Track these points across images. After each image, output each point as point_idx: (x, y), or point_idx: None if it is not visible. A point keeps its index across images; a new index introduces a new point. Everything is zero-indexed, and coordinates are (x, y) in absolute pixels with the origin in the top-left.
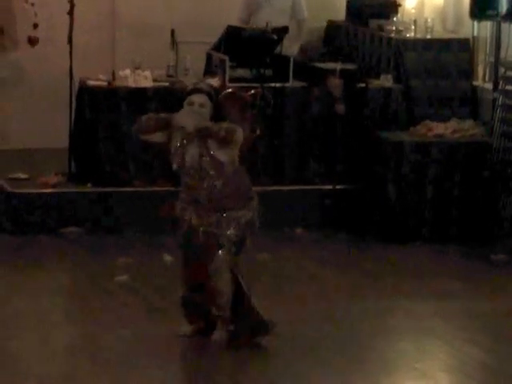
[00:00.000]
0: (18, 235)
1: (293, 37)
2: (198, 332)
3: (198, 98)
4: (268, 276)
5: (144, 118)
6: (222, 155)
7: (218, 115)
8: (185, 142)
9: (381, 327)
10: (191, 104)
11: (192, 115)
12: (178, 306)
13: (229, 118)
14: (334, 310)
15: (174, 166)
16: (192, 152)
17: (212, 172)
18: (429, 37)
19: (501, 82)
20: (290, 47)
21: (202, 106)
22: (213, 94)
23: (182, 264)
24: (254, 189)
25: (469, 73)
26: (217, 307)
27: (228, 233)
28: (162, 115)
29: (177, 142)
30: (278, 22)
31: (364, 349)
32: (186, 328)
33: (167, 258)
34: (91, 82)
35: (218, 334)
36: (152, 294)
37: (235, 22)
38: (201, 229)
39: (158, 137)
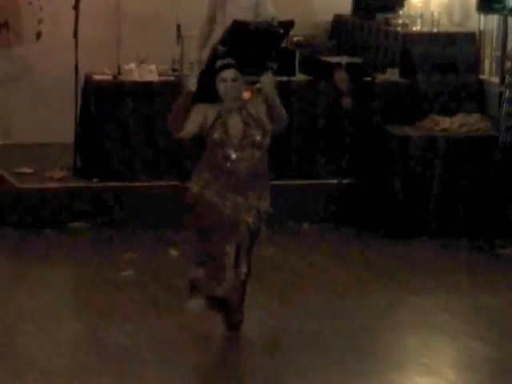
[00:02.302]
0: (23, 230)
1: None
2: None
3: (229, 74)
4: (273, 271)
5: (172, 117)
6: (267, 123)
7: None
8: (222, 113)
9: (387, 322)
10: (224, 81)
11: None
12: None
13: None
14: (340, 304)
15: (216, 136)
16: (235, 120)
17: (258, 138)
18: (435, 30)
19: (507, 76)
20: None
21: (234, 80)
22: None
23: (197, 240)
24: None
25: (475, 67)
26: (220, 287)
27: (250, 223)
28: (185, 103)
29: (213, 116)
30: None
31: (370, 344)
32: (194, 303)
33: (173, 252)
34: (97, 77)
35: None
36: (158, 288)
37: (204, 19)
38: (219, 208)
39: (192, 128)
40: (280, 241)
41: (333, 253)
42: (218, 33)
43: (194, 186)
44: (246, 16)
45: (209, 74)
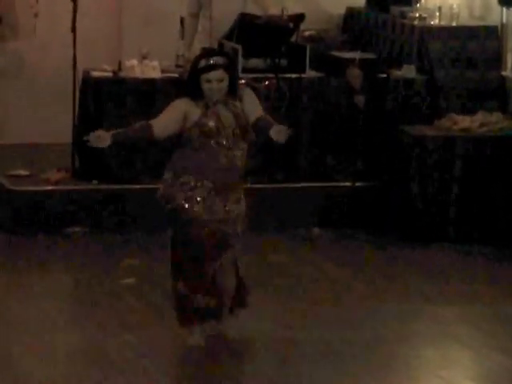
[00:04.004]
0: (18, 235)
1: None
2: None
3: (214, 75)
4: (283, 278)
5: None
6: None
7: (234, 83)
8: (210, 104)
9: (403, 332)
10: (209, 81)
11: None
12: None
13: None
14: (354, 313)
15: (211, 125)
16: (224, 111)
17: (249, 129)
18: (454, 24)
19: None
20: None
21: (220, 81)
22: (228, 64)
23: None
24: (268, 186)
25: (497, 63)
26: (218, 299)
27: (238, 230)
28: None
29: (200, 108)
30: None
31: (386, 355)
32: (195, 337)
33: None
34: (96, 73)
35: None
36: (159, 297)
37: (185, 16)
38: (209, 226)
39: (172, 128)
40: (289, 247)
41: (345, 259)
42: (204, 28)
43: (174, 191)
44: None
45: (194, 73)
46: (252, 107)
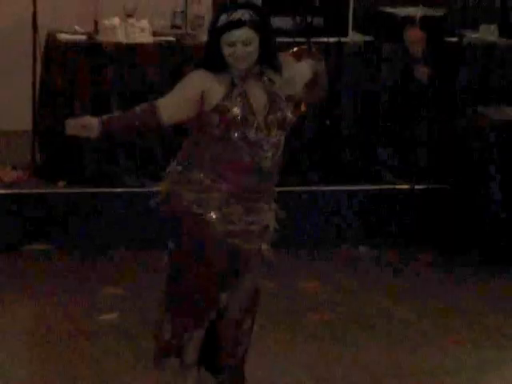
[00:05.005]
0: None
1: None
2: None
3: (239, 35)
4: (317, 312)
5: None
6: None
7: (269, 48)
8: (236, 81)
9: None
10: (231, 45)
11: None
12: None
13: None
14: (412, 362)
15: (236, 111)
16: (255, 90)
17: (289, 114)
18: None
19: None
20: None
21: (246, 43)
22: (260, 21)
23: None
24: (300, 189)
25: None
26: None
27: (263, 249)
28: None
29: (224, 86)
30: None
31: None
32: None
33: None
34: (64, 36)
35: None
36: (151, 337)
37: None
38: (224, 240)
39: (184, 111)
40: (326, 270)
41: (401, 287)
42: None
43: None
44: None
45: (212, 35)
46: (298, 76)
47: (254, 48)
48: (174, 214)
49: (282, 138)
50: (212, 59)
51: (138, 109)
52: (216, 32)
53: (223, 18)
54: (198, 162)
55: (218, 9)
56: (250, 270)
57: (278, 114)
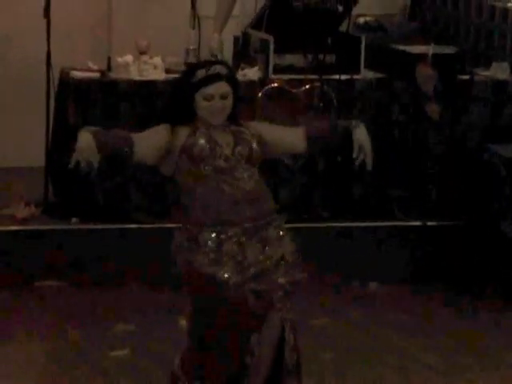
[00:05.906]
0: None
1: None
2: None
3: (218, 88)
4: (328, 350)
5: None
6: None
7: (237, 105)
8: (202, 130)
9: None
10: (209, 99)
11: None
12: None
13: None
14: None
15: (202, 143)
16: (221, 132)
17: (254, 145)
18: None
19: None
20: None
21: (224, 96)
22: (233, 75)
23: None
24: (309, 225)
25: None
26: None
27: (283, 282)
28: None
29: (184, 133)
30: None
31: None
32: None
33: (184, 322)
34: (77, 73)
35: None
36: (163, 375)
37: None
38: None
39: (157, 146)
40: (337, 307)
41: (413, 326)
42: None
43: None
44: None
45: (186, 89)
46: (275, 127)
47: (229, 103)
48: (190, 280)
49: (255, 171)
50: (181, 113)
51: (120, 132)
52: (192, 86)
53: (201, 73)
54: (200, 219)
55: (191, 66)
56: (273, 308)
57: (246, 148)
